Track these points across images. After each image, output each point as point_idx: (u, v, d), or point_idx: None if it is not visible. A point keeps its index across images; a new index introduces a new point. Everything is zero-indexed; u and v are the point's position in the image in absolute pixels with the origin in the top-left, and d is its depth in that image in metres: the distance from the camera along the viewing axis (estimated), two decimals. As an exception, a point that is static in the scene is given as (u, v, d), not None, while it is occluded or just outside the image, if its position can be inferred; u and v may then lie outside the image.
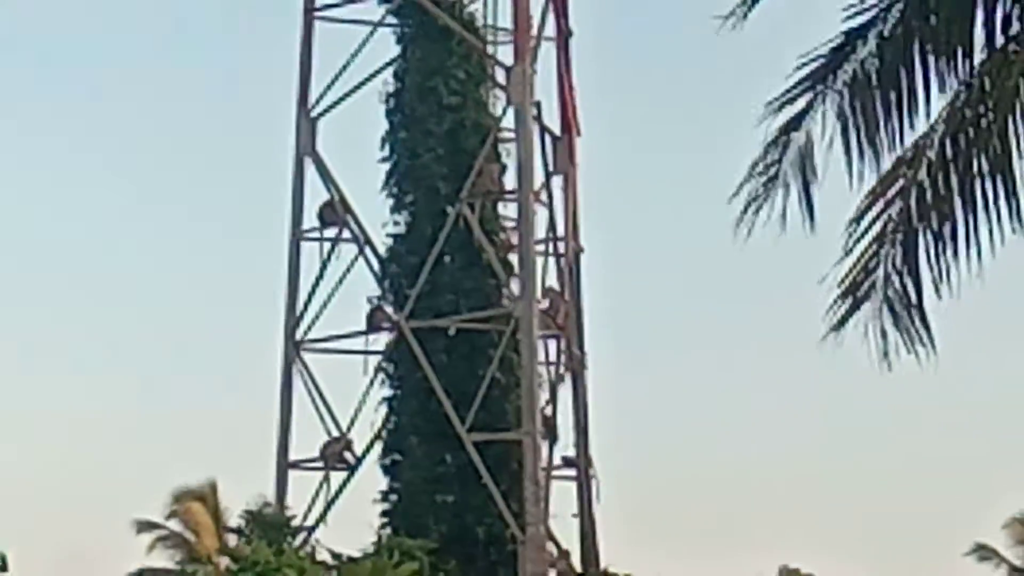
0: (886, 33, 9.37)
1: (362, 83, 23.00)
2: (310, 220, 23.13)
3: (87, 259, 40.56)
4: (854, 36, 9.38)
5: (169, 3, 42.91)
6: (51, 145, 42.57)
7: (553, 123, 23.50)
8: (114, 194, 40.46)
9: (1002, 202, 8.89)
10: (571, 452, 23.39)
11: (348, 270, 23.46)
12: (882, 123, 9.36)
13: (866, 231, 9.32)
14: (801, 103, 9.43)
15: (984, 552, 33.51)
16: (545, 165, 22.99)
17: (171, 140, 39.55)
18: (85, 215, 41.05)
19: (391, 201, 22.97)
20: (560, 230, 23.36)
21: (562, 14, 23.37)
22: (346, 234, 23.10)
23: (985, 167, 8.99)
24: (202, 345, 36.12)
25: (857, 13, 9.20)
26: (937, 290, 9.23)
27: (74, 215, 42.41)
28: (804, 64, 9.35)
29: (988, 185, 8.99)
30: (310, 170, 23.03)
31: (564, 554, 23.60)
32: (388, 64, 22.87)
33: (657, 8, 32.47)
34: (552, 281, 23.33)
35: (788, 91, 9.41)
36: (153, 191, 38.43)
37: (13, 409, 33.85)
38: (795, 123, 9.45)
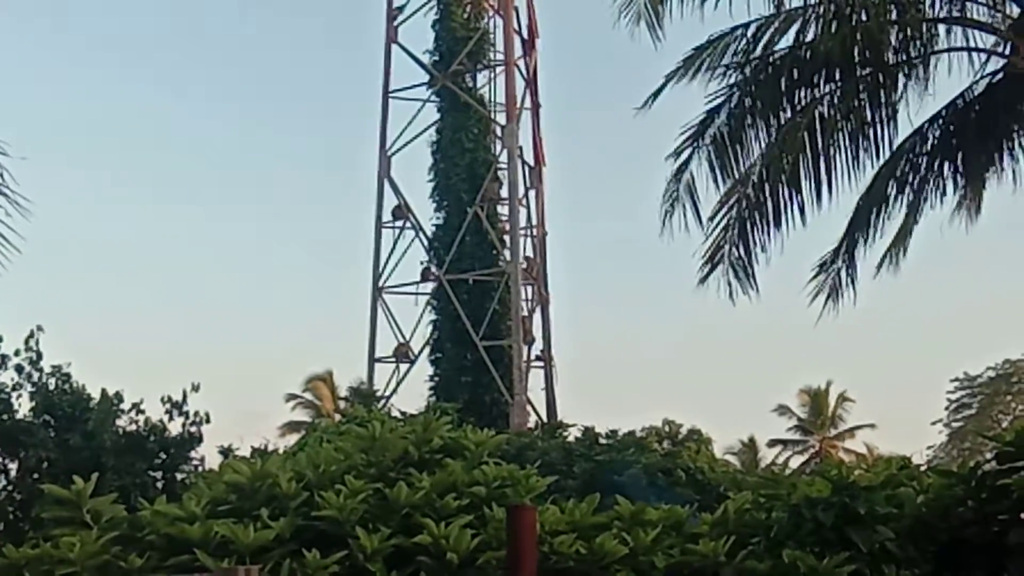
0: (731, 110, 13.87)
1: (418, 135, 34.41)
2: (387, 216, 34.68)
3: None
4: (712, 112, 14.02)
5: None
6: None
7: (529, 158, 35.26)
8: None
9: (795, 205, 13.82)
10: (541, 351, 34.69)
11: (409, 245, 34.58)
12: (732, 161, 13.95)
13: (718, 223, 14.33)
14: (685, 154, 14.31)
15: (782, 409, 49.02)
16: (525, 183, 34.40)
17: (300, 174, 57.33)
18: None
19: (434, 204, 33.97)
20: (534, 221, 35.00)
21: (535, 93, 35.44)
22: (408, 224, 34.53)
23: (784, 184, 13.75)
24: (326, 293, 56.78)
25: (714, 99, 13.98)
26: (758, 258, 14.25)
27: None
28: (685, 130, 14.21)
29: (786, 194, 13.81)
30: (387, 187, 34.59)
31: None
32: (432, 124, 34.13)
33: (596, 94, 49.74)
34: (529, 251, 34.51)
35: (677, 147, 14.34)
36: (295, 227, 58.16)
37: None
38: (683, 167, 14.34)
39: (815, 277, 14.94)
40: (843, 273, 14.78)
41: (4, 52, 53.17)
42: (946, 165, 14.40)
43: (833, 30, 12.89)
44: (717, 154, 13.99)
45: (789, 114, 13.73)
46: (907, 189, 14.35)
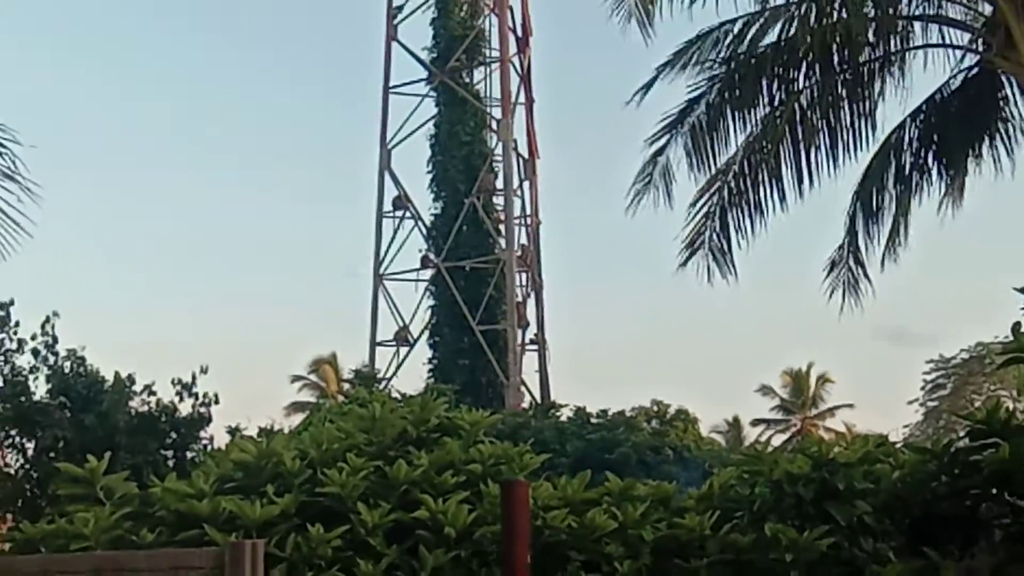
0: (710, 100, 13.96)
1: (417, 128, 35.46)
2: (387, 206, 35.48)
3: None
4: (692, 102, 14.16)
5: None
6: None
7: (523, 151, 35.75)
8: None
9: (775, 194, 13.98)
10: (535, 335, 35.76)
11: (409, 234, 35.80)
12: (708, 149, 14.05)
13: (699, 210, 14.46)
14: (663, 140, 14.45)
15: (765, 390, 49.14)
16: (519, 175, 35.58)
17: (304, 165, 57.50)
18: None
19: (432, 195, 35.12)
20: (528, 211, 36.00)
21: (528, 89, 35.82)
22: (408, 214, 35.59)
23: (766, 173, 13.92)
24: (331, 281, 57.32)
25: (694, 89, 14.16)
26: (739, 244, 14.40)
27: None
28: (665, 118, 14.41)
29: (766, 184, 13.96)
30: (387, 178, 35.40)
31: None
32: (431, 118, 35.18)
33: (585, 90, 49.52)
34: (523, 239, 35.54)
35: (656, 133, 14.49)
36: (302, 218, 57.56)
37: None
38: (660, 152, 14.47)
39: (828, 275, 15.03)
40: (854, 269, 14.85)
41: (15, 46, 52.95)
42: (930, 157, 14.45)
43: (812, 27, 12.94)
44: (694, 142, 14.00)
45: (767, 108, 13.71)
46: (897, 183, 14.40)
